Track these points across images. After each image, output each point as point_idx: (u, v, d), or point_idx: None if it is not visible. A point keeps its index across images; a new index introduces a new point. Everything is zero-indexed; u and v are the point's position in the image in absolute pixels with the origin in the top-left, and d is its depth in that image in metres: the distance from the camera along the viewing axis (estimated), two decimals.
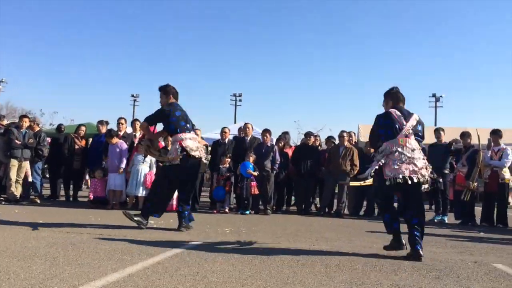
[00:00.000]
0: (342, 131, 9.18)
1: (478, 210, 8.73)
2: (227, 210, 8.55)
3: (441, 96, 40.14)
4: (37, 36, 64.36)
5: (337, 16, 67.04)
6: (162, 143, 7.96)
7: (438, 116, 39.57)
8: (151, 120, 5.77)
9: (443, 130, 9.33)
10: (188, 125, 5.71)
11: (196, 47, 68.68)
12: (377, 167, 4.32)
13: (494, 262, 4.30)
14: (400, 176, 4.21)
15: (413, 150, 4.32)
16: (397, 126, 4.36)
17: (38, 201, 8.78)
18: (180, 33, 68.96)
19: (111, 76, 67.64)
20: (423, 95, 52.93)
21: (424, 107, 40.50)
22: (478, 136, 8.40)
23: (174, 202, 7.90)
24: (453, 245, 5.40)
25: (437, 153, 8.80)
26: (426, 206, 12.20)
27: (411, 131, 4.39)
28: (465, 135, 8.82)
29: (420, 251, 4.17)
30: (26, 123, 8.75)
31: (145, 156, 7.99)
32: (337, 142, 9.53)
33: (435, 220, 8.77)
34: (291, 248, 4.60)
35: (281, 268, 3.53)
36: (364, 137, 14.62)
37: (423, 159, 4.37)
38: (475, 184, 8.33)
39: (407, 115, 4.45)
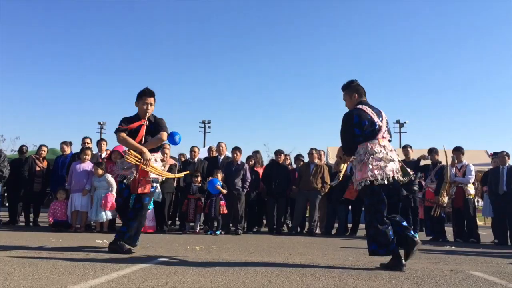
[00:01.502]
0: (312, 149, 9.14)
1: (449, 230, 8.79)
2: (197, 230, 8.26)
3: (405, 122, 41.15)
4: None
5: (300, 41, 68.52)
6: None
7: (403, 141, 40.48)
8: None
9: (410, 147, 9.44)
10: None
11: (163, 71, 68.41)
12: (368, 170, 4.08)
13: (469, 270, 4.25)
14: (390, 176, 4.09)
15: (390, 150, 4.25)
16: (375, 125, 4.21)
17: None
18: (146, 57, 68.61)
19: (77, 101, 66.18)
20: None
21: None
22: (445, 152, 8.54)
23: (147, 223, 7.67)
24: (427, 257, 5.33)
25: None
26: None
27: (386, 130, 4.31)
28: (432, 151, 8.96)
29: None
30: None
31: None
32: (306, 160, 9.49)
33: None
34: (264, 261, 4.41)
35: (255, 278, 3.35)
36: (332, 159, 14.70)
37: (398, 160, 4.31)
38: (445, 199, 8.41)
39: (378, 112, 4.32)
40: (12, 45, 61.96)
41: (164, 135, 5.06)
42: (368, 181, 4.10)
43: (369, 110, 4.27)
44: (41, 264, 3.75)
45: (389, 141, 4.34)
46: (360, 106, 4.31)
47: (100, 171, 7.80)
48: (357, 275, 3.65)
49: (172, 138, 7.81)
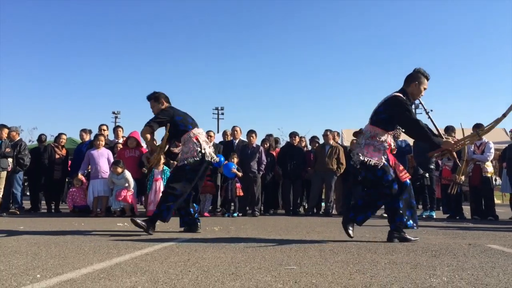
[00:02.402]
0: (327, 130, 9.14)
1: (466, 208, 8.75)
2: (205, 213, 8.28)
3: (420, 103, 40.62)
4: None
5: (316, 27, 67.80)
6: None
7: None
8: (153, 123, 5.06)
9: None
10: (195, 122, 5.29)
11: (176, 61, 68.52)
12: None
13: (488, 243, 4.26)
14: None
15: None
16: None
17: (18, 213, 8.49)
18: (159, 47, 68.72)
19: (91, 91, 66.85)
20: None
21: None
22: (463, 129, 8.42)
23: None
24: (444, 233, 5.35)
25: (422, 149, 8.81)
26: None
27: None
28: (449, 129, 8.87)
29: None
30: (4, 133, 8.44)
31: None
32: (321, 142, 9.49)
33: (423, 216, 8.73)
34: (283, 238, 4.49)
35: (274, 253, 3.42)
36: (347, 142, 14.65)
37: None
38: (462, 177, 8.36)
39: None
40: (27, 40, 62.63)
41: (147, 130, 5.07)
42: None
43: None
44: (66, 245, 3.87)
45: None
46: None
47: (119, 170, 7.89)
48: (375, 249, 3.70)
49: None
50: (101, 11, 65.21)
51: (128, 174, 7.91)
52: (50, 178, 9.25)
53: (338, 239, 4.49)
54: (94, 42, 66.01)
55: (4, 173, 8.28)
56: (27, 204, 9.80)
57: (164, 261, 3.00)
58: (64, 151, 9.54)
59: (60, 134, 9.68)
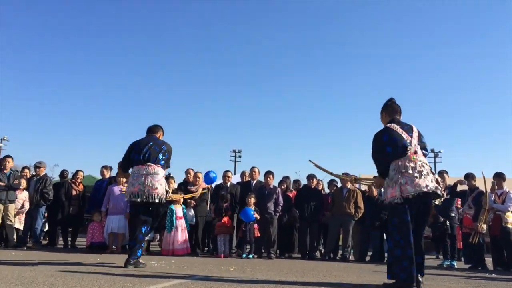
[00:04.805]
0: (344, 173, 9.09)
1: (489, 260, 8.48)
2: (221, 255, 8.13)
3: (439, 151, 40.30)
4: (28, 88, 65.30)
5: (330, 71, 68.83)
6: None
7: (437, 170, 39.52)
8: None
9: (446, 172, 9.25)
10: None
11: (194, 103, 69.82)
12: (397, 187, 4.03)
13: None
14: (422, 190, 4.01)
15: (423, 165, 4.17)
16: (404, 142, 4.17)
17: (34, 247, 8.54)
18: (175, 88, 70.27)
19: (113, 129, 68.10)
20: None
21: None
22: (484, 177, 8.33)
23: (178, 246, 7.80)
24: (466, 282, 5.18)
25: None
26: (433, 256, 11.94)
27: (418, 145, 4.27)
28: (469, 176, 8.75)
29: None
30: (9, 163, 8.53)
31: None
32: (339, 185, 9.44)
33: (444, 265, 8.49)
34: (299, 281, 4.41)
35: None
36: (364, 186, 14.53)
37: (433, 173, 4.24)
38: (484, 226, 8.16)
39: (408, 129, 4.29)
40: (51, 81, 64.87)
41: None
42: (398, 199, 4.05)
43: (396, 127, 4.25)
44: (82, 277, 3.87)
45: (425, 155, 4.29)
46: (388, 125, 4.33)
47: None
48: None
49: (207, 176, 8.55)
50: (117, 53, 67.32)
51: None
52: (67, 213, 9.34)
53: (355, 282, 4.39)
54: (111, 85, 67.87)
55: (12, 205, 8.36)
56: (44, 239, 9.86)
57: None
58: (81, 187, 9.68)
59: (77, 171, 9.86)
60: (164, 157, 5.52)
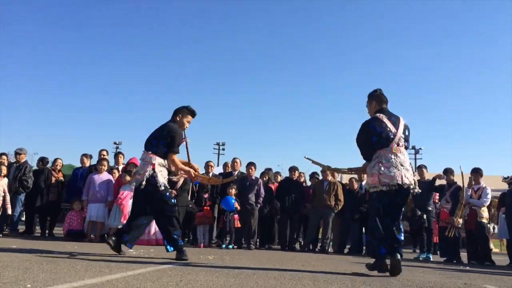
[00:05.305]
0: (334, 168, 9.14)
1: (464, 254, 8.65)
2: (201, 245, 8.17)
3: (420, 148, 40.84)
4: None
5: (317, 64, 69.07)
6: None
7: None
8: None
9: (425, 167, 9.40)
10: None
11: (178, 97, 69.33)
12: (376, 176, 4.23)
13: (483, 284, 4.21)
14: (396, 182, 4.17)
15: (404, 159, 4.29)
16: (388, 133, 4.30)
17: (10, 235, 8.40)
18: (159, 81, 69.71)
19: (93, 121, 67.30)
20: None
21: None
22: (462, 172, 8.46)
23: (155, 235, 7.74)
24: (441, 273, 5.29)
25: (421, 190, 8.80)
26: (410, 250, 12.12)
27: (402, 138, 4.37)
28: (448, 171, 8.90)
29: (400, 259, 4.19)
30: None
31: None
32: (320, 177, 9.51)
33: (420, 258, 8.63)
34: (278, 268, 4.44)
35: (268, 280, 3.39)
36: (346, 179, 14.65)
37: (411, 167, 4.35)
38: (460, 220, 8.32)
39: (395, 120, 4.41)
40: (34, 69, 63.72)
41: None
42: (375, 187, 4.26)
43: (384, 118, 4.37)
44: (58, 261, 3.84)
45: (406, 147, 4.39)
46: (377, 115, 4.43)
47: (128, 178, 7.92)
48: (370, 282, 3.66)
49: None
50: (105, 48, 66.45)
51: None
52: (46, 200, 9.21)
53: (333, 271, 4.45)
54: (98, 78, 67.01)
55: None
56: (21, 227, 9.70)
57: (156, 281, 2.97)
58: (60, 174, 9.55)
59: (56, 159, 9.72)
60: (159, 143, 5.02)
